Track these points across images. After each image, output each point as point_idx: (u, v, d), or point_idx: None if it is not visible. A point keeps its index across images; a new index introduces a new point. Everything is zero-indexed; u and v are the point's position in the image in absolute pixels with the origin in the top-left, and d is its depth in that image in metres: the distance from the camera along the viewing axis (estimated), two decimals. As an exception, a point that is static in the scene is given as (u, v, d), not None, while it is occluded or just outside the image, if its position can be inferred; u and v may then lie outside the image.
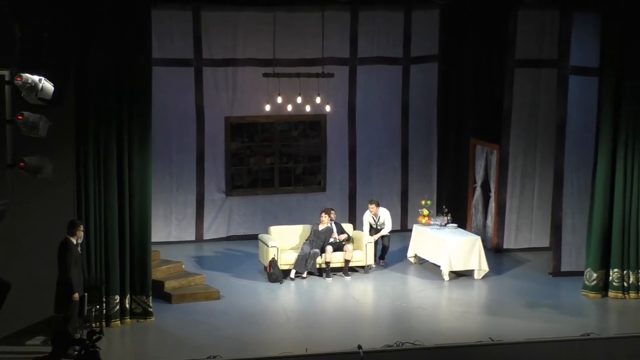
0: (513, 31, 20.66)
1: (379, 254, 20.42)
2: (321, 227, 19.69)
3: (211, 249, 21.60)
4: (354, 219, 22.02)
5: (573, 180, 19.42)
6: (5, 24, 14.07)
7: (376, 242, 20.24)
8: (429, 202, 21.09)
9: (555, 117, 19.88)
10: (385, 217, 20.55)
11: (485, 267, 19.62)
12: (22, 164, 13.75)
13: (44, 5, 14.92)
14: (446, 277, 19.49)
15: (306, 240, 19.72)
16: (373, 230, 20.52)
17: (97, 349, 11.05)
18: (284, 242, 19.81)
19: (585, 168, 18.98)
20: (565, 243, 19.56)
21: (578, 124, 19.27)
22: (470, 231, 21.18)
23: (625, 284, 18.34)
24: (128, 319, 16.69)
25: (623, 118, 18.04)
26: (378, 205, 20.61)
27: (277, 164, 22.64)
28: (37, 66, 13.96)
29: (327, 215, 19.76)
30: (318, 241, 19.56)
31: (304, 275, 19.46)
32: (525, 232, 21.55)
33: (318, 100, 20.86)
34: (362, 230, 20.61)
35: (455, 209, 21.47)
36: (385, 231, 20.51)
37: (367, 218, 20.64)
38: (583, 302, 18.26)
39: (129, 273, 16.62)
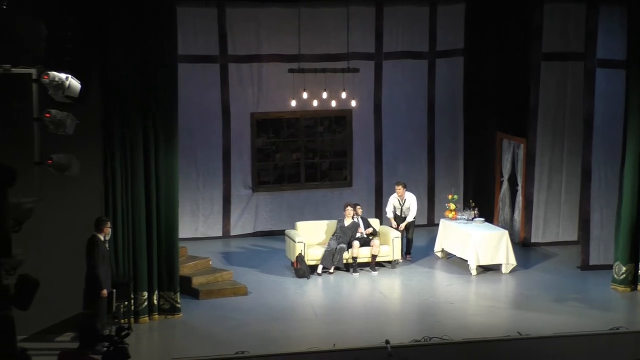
0: (539, 24, 20.62)
1: (404, 249, 20.39)
2: (347, 222, 19.71)
3: (238, 245, 21.66)
4: (380, 214, 22.00)
5: (601, 173, 19.35)
6: (31, 22, 14.13)
7: (401, 235, 20.22)
8: (455, 196, 21.06)
9: (582, 111, 19.82)
10: (411, 202, 20.53)
11: (512, 262, 19.59)
12: (49, 161, 13.80)
13: (68, 4, 14.99)
14: (473, 272, 19.48)
15: (333, 235, 19.74)
16: (398, 217, 20.49)
17: (126, 345, 11.11)
18: (310, 237, 19.85)
19: (612, 161, 18.92)
20: (593, 237, 19.50)
21: (605, 117, 19.19)
22: (498, 225, 21.15)
23: (655, 277, 18.33)
24: (156, 315, 16.76)
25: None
26: (405, 187, 20.60)
27: (303, 160, 22.67)
28: (64, 64, 14.01)
29: (351, 209, 19.77)
30: (345, 236, 19.58)
31: (331, 270, 19.49)
32: (553, 226, 21.50)
33: (343, 95, 20.86)
34: (388, 217, 20.66)
35: (482, 203, 21.43)
36: (410, 217, 20.48)
37: (392, 200, 20.66)
38: (612, 296, 18.22)
39: (157, 269, 16.69)
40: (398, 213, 20.60)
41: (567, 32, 20.71)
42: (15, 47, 13.79)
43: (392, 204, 20.70)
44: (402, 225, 20.42)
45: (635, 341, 15.59)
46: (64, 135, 13.90)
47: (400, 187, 20.59)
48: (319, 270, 19.45)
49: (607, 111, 19.14)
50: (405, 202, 20.54)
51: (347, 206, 19.83)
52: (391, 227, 20.46)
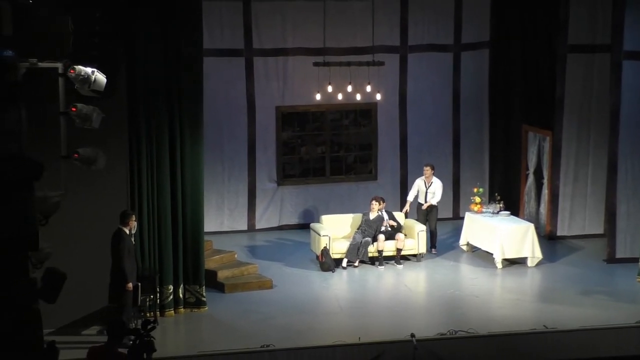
0: (565, 16, 20.51)
1: (428, 244, 20.35)
2: (372, 215, 19.73)
3: (263, 239, 21.71)
4: (406, 208, 22.03)
5: (627, 166, 19.30)
6: (57, 17, 14.19)
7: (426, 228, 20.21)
8: (481, 189, 21.04)
9: (608, 103, 19.76)
10: (436, 187, 20.53)
11: (538, 255, 19.55)
12: (76, 155, 13.86)
13: (96, 1, 15.06)
14: (499, 265, 19.45)
15: (358, 229, 19.77)
16: (420, 205, 20.50)
17: (152, 339, 11.17)
18: (335, 231, 19.88)
19: (639, 153, 18.85)
20: (619, 229, 19.45)
21: (632, 110, 19.16)
22: (523, 218, 21.12)
23: (681, 270, 18.27)
24: (182, 309, 16.84)
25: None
26: (433, 169, 20.61)
27: (328, 153, 22.69)
28: (90, 58, 14.07)
29: (377, 203, 19.78)
30: (370, 230, 19.60)
31: (356, 264, 19.51)
32: (579, 219, 21.44)
33: (369, 88, 20.83)
34: (408, 199, 20.81)
35: (507, 197, 21.41)
36: (434, 200, 20.47)
37: (418, 182, 20.73)
38: (638, 289, 18.16)
39: (182, 263, 16.76)
40: (422, 198, 20.56)
41: (594, 24, 20.60)
42: (41, 41, 13.89)
43: (417, 186, 20.72)
44: (426, 205, 20.42)
45: (662, 334, 15.58)
46: (90, 129, 13.96)
47: (428, 168, 20.61)
48: (344, 263, 19.48)
49: (634, 103, 19.12)
50: (431, 185, 20.52)
51: (373, 200, 19.85)
52: (402, 211, 20.63)
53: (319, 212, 21.57)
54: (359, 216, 20.08)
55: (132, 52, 15.96)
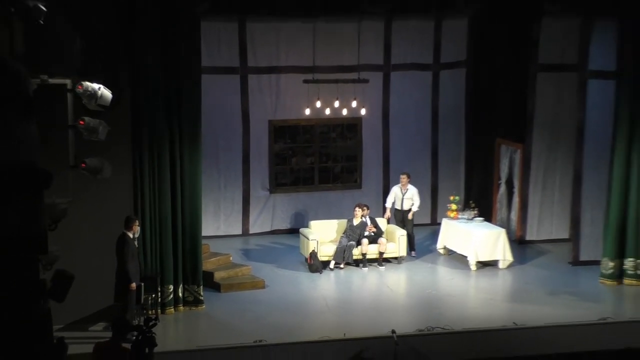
0: (536, 37, 20.54)
1: (408, 247, 20.35)
2: (356, 221, 19.77)
3: (256, 242, 21.70)
4: (389, 214, 22.05)
5: (591, 176, 19.35)
6: (67, 35, 14.23)
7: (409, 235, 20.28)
8: (457, 197, 21.09)
9: (575, 119, 19.81)
10: (413, 193, 20.56)
11: (509, 258, 19.62)
12: (83, 165, 13.88)
13: (102, 18, 15.08)
14: (473, 267, 19.51)
15: (343, 233, 19.82)
16: (397, 211, 20.53)
17: (153, 334, 11.21)
18: (323, 235, 19.91)
19: (602, 166, 18.89)
20: (583, 235, 19.52)
21: (597, 125, 19.17)
22: (496, 224, 21.13)
23: (639, 272, 18.32)
24: (181, 307, 16.85)
25: (638, 118, 18.00)
26: (409, 177, 20.65)
27: (317, 163, 22.71)
28: (96, 75, 14.10)
29: (360, 209, 19.83)
30: (354, 234, 19.66)
31: (342, 265, 19.54)
32: (547, 224, 21.50)
33: (354, 104, 20.90)
34: (386, 206, 20.83)
35: (481, 204, 21.42)
36: (415, 207, 20.52)
37: (395, 189, 20.75)
38: (600, 289, 18.24)
39: (182, 264, 16.77)
40: (398, 204, 20.61)
41: (563, 45, 20.63)
42: (51, 59, 13.91)
43: (394, 192, 20.75)
44: (411, 214, 20.48)
45: (622, 331, 15.63)
46: (96, 140, 13.98)
47: (404, 176, 20.65)
48: (331, 265, 19.51)
49: (599, 119, 19.11)
50: (407, 192, 20.57)
51: (356, 207, 19.90)
52: (384, 217, 20.68)
53: (308, 218, 21.61)
54: (344, 222, 20.12)
55: (136, 70, 15.98)
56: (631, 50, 17.91)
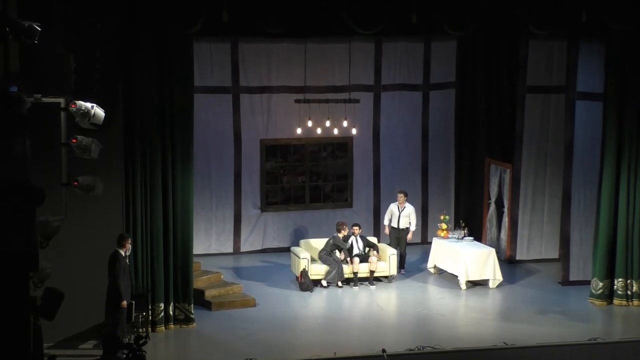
0: (524, 60, 20.58)
1: (398, 266, 20.27)
2: (341, 235, 19.71)
3: (247, 261, 21.59)
4: (379, 233, 21.93)
5: (580, 196, 19.34)
6: (60, 56, 14.20)
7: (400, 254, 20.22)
8: (447, 217, 21.03)
9: (563, 139, 19.82)
10: (410, 211, 20.54)
11: (499, 277, 19.54)
12: (75, 182, 13.83)
13: (95, 39, 15.02)
14: (463, 286, 19.42)
15: (322, 251, 19.67)
16: (393, 229, 20.48)
17: (144, 353, 11.11)
18: (314, 253, 19.81)
19: (591, 185, 18.89)
20: (573, 254, 19.46)
21: (584, 145, 19.21)
22: (485, 244, 21.08)
23: (629, 292, 18.26)
24: (172, 325, 16.74)
25: (626, 139, 17.99)
26: (406, 196, 20.62)
27: (308, 182, 22.63)
28: (90, 94, 14.04)
29: (357, 229, 19.82)
30: (330, 250, 19.55)
31: (340, 284, 19.42)
32: (536, 244, 21.43)
33: (345, 123, 20.86)
34: (384, 224, 20.84)
35: (471, 223, 21.38)
36: (412, 226, 20.52)
37: (392, 207, 20.70)
38: (590, 309, 18.16)
39: (173, 282, 16.69)
40: (395, 222, 20.54)
41: (550, 67, 20.68)
42: (45, 78, 13.88)
43: (390, 210, 20.71)
44: (411, 234, 20.50)
45: (612, 351, 15.55)
46: (89, 159, 13.93)
47: (402, 195, 20.62)
48: (324, 283, 19.40)
49: (586, 139, 19.14)
50: (404, 210, 20.52)
51: (353, 226, 19.89)
52: (385, 232, 20.73)
53: (298, 237, 21.51)
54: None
55: (128, 89, 15.94)
56: (617, 73, 17.92)
